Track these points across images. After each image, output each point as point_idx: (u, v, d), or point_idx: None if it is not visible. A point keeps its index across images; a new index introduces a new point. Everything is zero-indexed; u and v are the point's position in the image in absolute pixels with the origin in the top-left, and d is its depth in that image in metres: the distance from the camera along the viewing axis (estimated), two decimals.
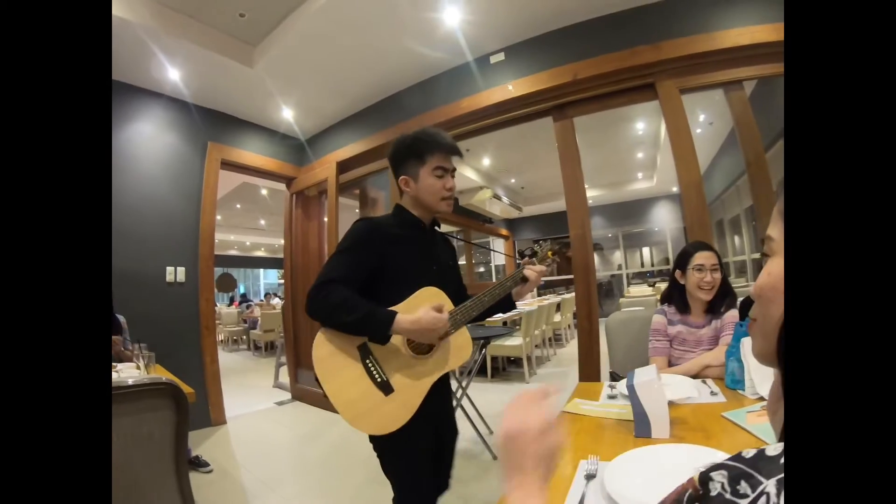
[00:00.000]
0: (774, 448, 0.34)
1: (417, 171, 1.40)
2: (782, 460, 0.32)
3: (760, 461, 0.33)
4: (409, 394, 1.27)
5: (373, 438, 1.32)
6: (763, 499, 0.31)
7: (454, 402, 2.30)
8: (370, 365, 1.26)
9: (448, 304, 1.36)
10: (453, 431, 1.56)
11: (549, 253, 1.63)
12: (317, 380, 1.23)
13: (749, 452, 0.35)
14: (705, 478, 0.35)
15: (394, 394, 1.25)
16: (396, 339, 1.29)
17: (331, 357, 1.26)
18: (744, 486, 0.32)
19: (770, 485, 0.31)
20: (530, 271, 1.50)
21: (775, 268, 0.42)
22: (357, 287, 1.28)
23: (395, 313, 1.24)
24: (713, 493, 0.33)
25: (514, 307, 1.59)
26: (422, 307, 1.27)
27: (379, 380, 1.25)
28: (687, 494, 0.35)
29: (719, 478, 0.34)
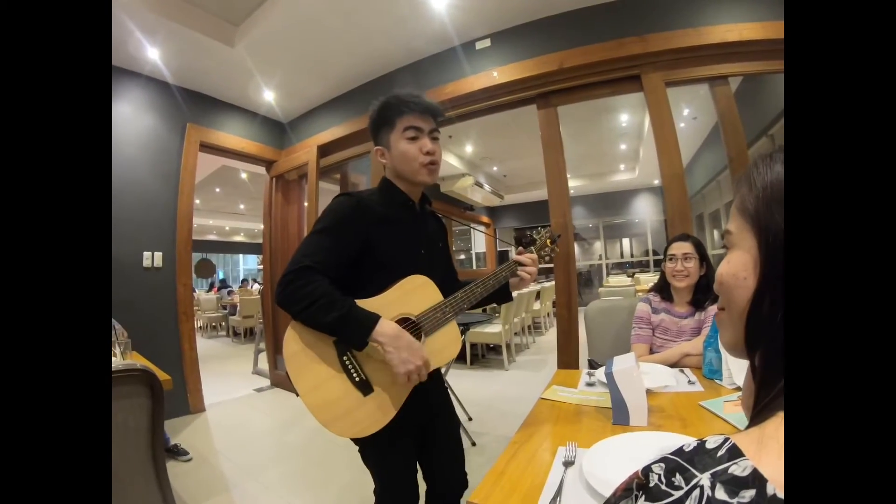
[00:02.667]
0: (714, 440, 0.35)
1: (389, 139, 1.25)
2: (720, 453, 0.34)
3: (698, 455, 0.35)
4: (390, 394, 1.14)
5: None
6: (697, 491, 0.32)
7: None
8: (347, 362, 1.13)
9: (436, 295, 1.24)
10: (450, 421, 1.43)
11: (548, 241, 1.46)
12: (289, 378, 1.11)
13: (689, 445, 0.36)
14: (647, 469, 0.36)
15: (373, 394, 1.13)
16: None
17: (304, 352, 1.12)
18: (678, 479, 0.34)
19: (704, 478, 0.32)
20: (523, 273, 1.36)
21: (734, 257, 0.44)
22: (337, 274, 1.14)
23: (377, 317, 1.10)
24: (651, 485, 0.35)
25: (510, 298, 1.45)
26: (409, 298, 1.19)
27: (357, 378, 1.12)
28: (634, 483, 0.37)
29: (658, 470, 0.36)
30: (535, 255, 1.39)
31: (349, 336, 1.11)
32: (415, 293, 1.22)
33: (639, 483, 0.36)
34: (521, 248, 1.42)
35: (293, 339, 1.12)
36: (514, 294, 1.46)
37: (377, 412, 1.13)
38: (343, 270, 1.17)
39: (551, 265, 2.06)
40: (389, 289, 1.20)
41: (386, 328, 1.10)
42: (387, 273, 1.21)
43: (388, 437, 1.16)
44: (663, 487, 0.34)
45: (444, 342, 1.24)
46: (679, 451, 0.36)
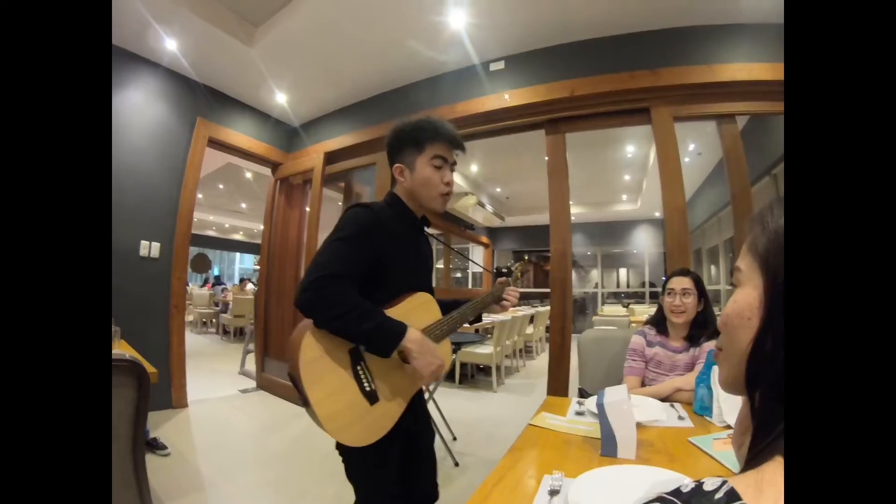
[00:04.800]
0: (712, 483, 0.35)
1: (414, 160, 1.28)
2: (717, 496, 0.33)
3: (695, 497, 0.34)
4: (391, 404, 1.18)
5: (338, 443, 1.21)
6: None
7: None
8: (360, 371, 1.14)
9: (437, 313, 1.30)
10: (429, 435, 1.47)
11: (519, 273, 1.65)
12: (298, 385, 1.08)
13: (687, 486, 0.35)
14: None
15: (378, 403, 1.15)
16: None
17: (321, 360, 1.10)
18: None
19: None
20: (510, 296, 1.53)
21: (741, 296, 0.44)
22: (358, 283, 1.16)
23: (405, 326, 1.13)
24: None
25: (480, 319, 1.61)
26: (416, 314, 1.24)
27: (368, 388, 1.14)
28: None
29: None
30: (517, 291, 1.55)
31: (382, 344, 1.13)
32: (421, 309, 1.27)
33: None
34: (501, 278, 1.58)
35: (312, 346, 1.10)
36: (499, 317, 1.68)
37: (378, 422, 1.15)
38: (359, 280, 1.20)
39: (538, 289, 2.24)
40: (400, 302, 1.23)
41: (414, 335, 1.14)
42: (391, 287, 1.24)
43: (377, 450, 1.16)
44: None
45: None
46: (676, 493, 0.35)
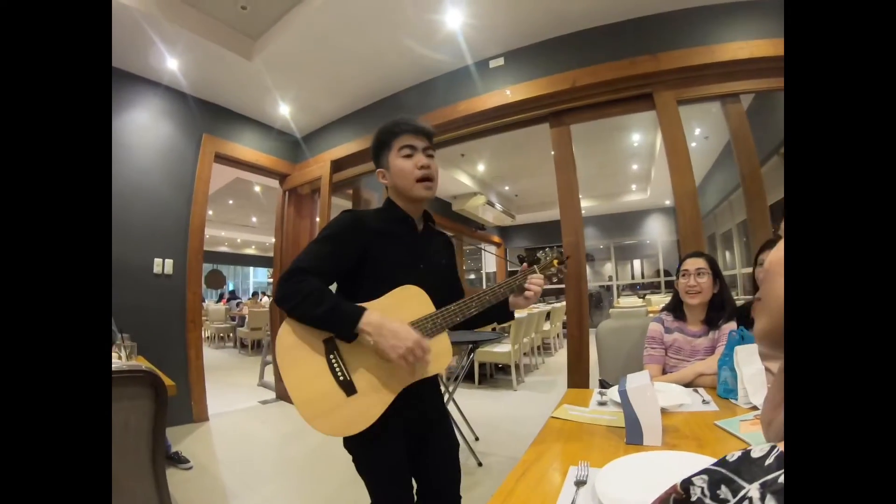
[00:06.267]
0: (760, 449, 0.33)
1: (388, 160, 1.34)
2: (768, 461, 0.32)
3: (743, 465, 0.33)
4: (372, 399, 1.17)
5: (345, 439, 1.24)
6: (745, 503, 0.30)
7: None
8: (334, 361, 1.17)
9: (429, 306, 1.26)
10: (451, 440, 1.42)
11: (555, 262, 1.42)
12: (277, 372, 1.16)
13: (733, 455, 0.34)
14: (687, 483, 0.34)
15: (356, 396, 1.16)
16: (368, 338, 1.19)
17: (294, 348, 1.17)
18: (724, 491, 0.32)
19: (753, 489, 0.30)
20: (532, 284, 1.35)
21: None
22: (330, 280, 1.22)
23: (363, 309, 1.15)
24: (693, 499, 0.33)
25: (511, 317, 1.46)
26: (401, 307, 1.21)
27: (341, 378, 1.16)
28: (671, 499, 0.35)
29: (700, 482, 0.33)
30: (541, 278, 1.38)
31: (339, 327, 1.16)
32: (408, 302, 1.25)
33: (677, 498, 0.34)
34: (525, 264, 1.43)
35: (287, 334, 1.17)
36: (516, 314, 1.49)
37: (359, 414, 1.15)
38: (340, 279, 1.25)
39: (561, 286, 2.04)
40: (384, 296, 1.23)
41: (371, 318, 1.14)
42: (382, 284, 1.24)
43: (376, 438, 1.19)
44: (707, 501, 0.32)
45: (437, 351, 1.24)
46: (722, 462, 0.34)
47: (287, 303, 1.15)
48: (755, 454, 0.33)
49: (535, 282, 1.36)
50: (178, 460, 2.83)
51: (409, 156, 1.31)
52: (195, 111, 3.94)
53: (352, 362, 1.18)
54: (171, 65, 3.44)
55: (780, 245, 0.44)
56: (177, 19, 3.00)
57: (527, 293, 1.36)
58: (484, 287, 1.55)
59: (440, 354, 1.26)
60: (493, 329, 4.96)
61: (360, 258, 1.25)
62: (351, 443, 1.25)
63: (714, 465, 0.34)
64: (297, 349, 1.17)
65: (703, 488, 0.33)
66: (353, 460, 1.28)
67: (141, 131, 3.57)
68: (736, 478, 0.32)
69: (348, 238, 1.25)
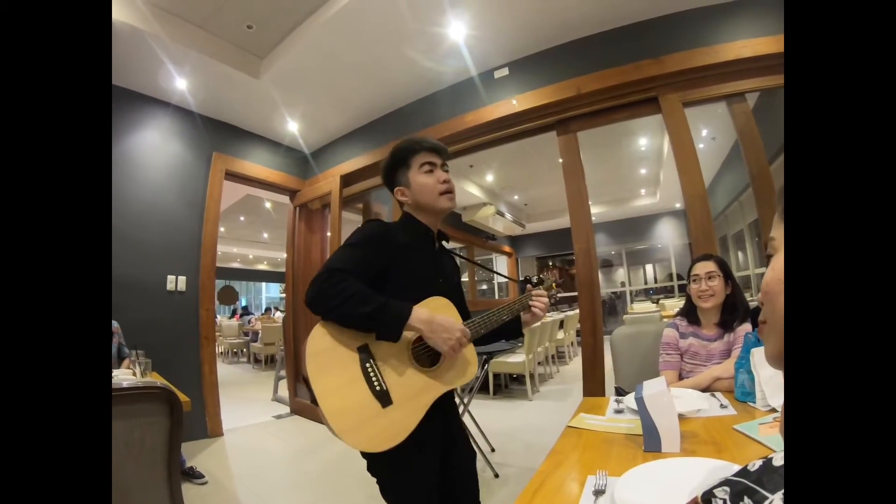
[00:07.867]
0: (781, 458, 0.32)
1: (408, 177, 1.37)
2: None
3: (766, 474, 0.32)
4: (408, 410, 1.14)
5: (370, 464, 1.21)
6: None
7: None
8: (370, 370, 1.13)
9: (458, 317, 1.30)
10: (469, 452, 1.44)
11: (553, 285, 1.59)
12: (305, 379, 1.09)
13: (755, 465, 0.33)
14: (708, 495, 0.34)
15: (391, 407, 1.11)
16: (401, 346, 1.19)
17: (326, 353, 1.11)
18: (747, 503, 0.31)
19: (776, 499, 0.30)
20: (537, 301, 1.45)
21: (777, 263, 0.44)
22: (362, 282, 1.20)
23: (412, 306, 1.16)
24: None
25: (521, 334, 1.54)
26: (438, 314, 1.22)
27: (378, 388, 1.11)
28: None
29: (721, 494, 0.33)
30: (545, 294, 1.48)
31: (387, 325, 1.14)
32: (441, 311, 1.26)
33: None
34: (529, 285, 1.53)
35: (320, 337, 1.13)
36: (525, 331, 1.55)
37: (392, 428, 1.11)
38: (368, 284, 1.20)
39: (574, 293, 2.11)
40: (418, 304, 1.23)
41: (421, 314, 1.16)
42: (408, 294, 1.24)
43: (406, 466, 1.16)
44: None
45: (465, 360, 1.29)
46: (744, 472, 0.33)
47: (325, 303, 1.12)
48: (776, 462, 0.32)
49: (540, 298, 1.46)
50: (193, 475, 2.83)
51: (430, 171, 1.36)
52: (204, 130, 4.00)
53: (387, 372, 1.16)
54: (180, 85, 3.50)
55: (774, 265, 0.44)
56: (184, 40, 3.05)
57: (533, 310, 1.46)
58: (496, 297, 1.60)
59: (468, 363, 1.30)
60: (506, 339, 4.92)
61: (386, 268, 1.25)
62: (378, 468, 1.21)
63: (735, 475, 0.33)
64: (330, 355, 1.12)
65: (725, 500, 0.32)
66: (379, 485, 1.24)
67: (151, 150, 3.64)
68: (759, 488, 0.31)
69: (378, 246, 1.26)
